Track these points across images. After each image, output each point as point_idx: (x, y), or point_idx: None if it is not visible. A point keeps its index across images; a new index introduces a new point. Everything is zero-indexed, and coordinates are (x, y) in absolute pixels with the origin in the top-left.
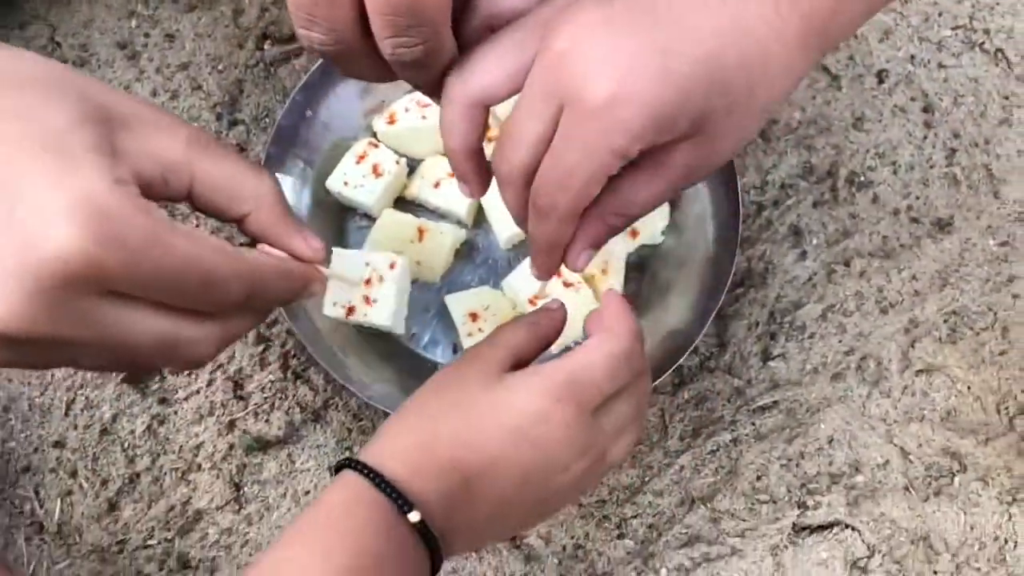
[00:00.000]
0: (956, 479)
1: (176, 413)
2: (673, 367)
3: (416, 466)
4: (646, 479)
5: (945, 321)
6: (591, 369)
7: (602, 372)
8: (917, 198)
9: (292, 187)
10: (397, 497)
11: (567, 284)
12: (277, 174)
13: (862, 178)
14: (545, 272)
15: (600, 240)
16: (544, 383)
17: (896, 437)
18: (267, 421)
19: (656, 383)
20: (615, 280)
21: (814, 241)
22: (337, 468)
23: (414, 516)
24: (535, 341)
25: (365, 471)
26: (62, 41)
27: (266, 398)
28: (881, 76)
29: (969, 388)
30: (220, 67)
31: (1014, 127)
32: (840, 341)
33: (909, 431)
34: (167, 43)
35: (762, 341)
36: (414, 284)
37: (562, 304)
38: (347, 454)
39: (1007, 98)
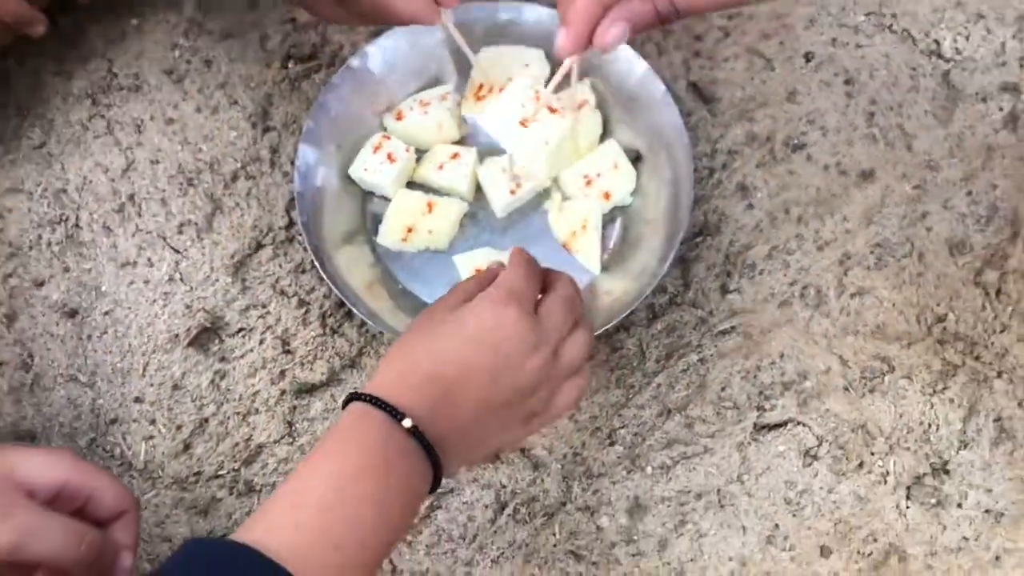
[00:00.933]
0: (886, 378)
1: (235, 368)
2: (643, 300)
3: (405, 385)
4: (629, 396)
5: (871, 252)
6: (520, 278)
7: (526, 279)
8: (844, 156)
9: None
10: (390, 410)
11: (552, 110)
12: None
13: (796, 141)
14: (572, 44)
15: (634, 17)
16: (489, 296)
17: (835, 348)
18: (311, 369)
19: (632, 317)
20: (594, 235)
21: (758, 195)
22: (345, 402)
23: (407, 422)
24: (485, 282)
25: (365, 397)
26: (118, 72)
27: (309, 351)
28: (808, 57)
29: (894, 305)
30: (252, 84)
31: (920, 92)
32: (785, 275)
33: (846, 343)
34: (206, 68)
35: (720, 279)
36: (427, 252)
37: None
38: None
39: (914, 69)
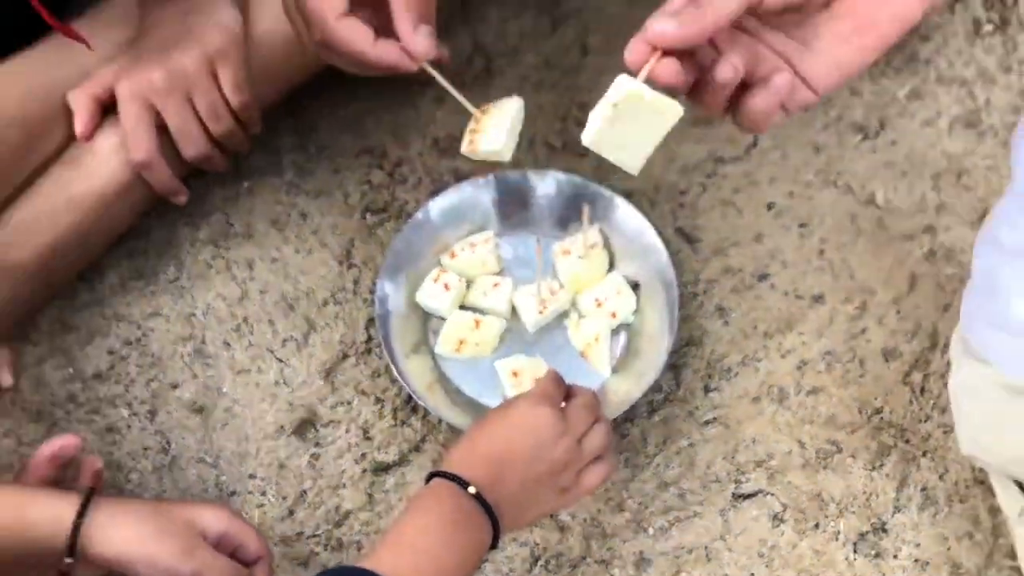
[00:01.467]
0: (835, 457)
1: (326, 452)
2: (643, 397)
3: (467, 464)
4: (635, 473)
5: (823, 359)
6: (550, 386)
7: (555, 387)
8: (800, 284)
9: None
10: (460, 480)
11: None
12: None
13: (762, 272)
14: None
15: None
16: (527, 397)
17: (796, 434)
18: (386, 452)
19: (635, 411)
20: (604, 346)
21: (733, 315)
22: (428, 478)
23: (472, 489)
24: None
25: (442, 474)
26: (234, 222)
27: (384, 437)
28: (770, 206)
29: (841, 400)
30: (338, 231)
31: (860, 233)
32: (755, 377)
33: (804, 430)
34: (302, 219)
35: (703, 380)
36: (475, 359)
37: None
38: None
39: (854, 215)
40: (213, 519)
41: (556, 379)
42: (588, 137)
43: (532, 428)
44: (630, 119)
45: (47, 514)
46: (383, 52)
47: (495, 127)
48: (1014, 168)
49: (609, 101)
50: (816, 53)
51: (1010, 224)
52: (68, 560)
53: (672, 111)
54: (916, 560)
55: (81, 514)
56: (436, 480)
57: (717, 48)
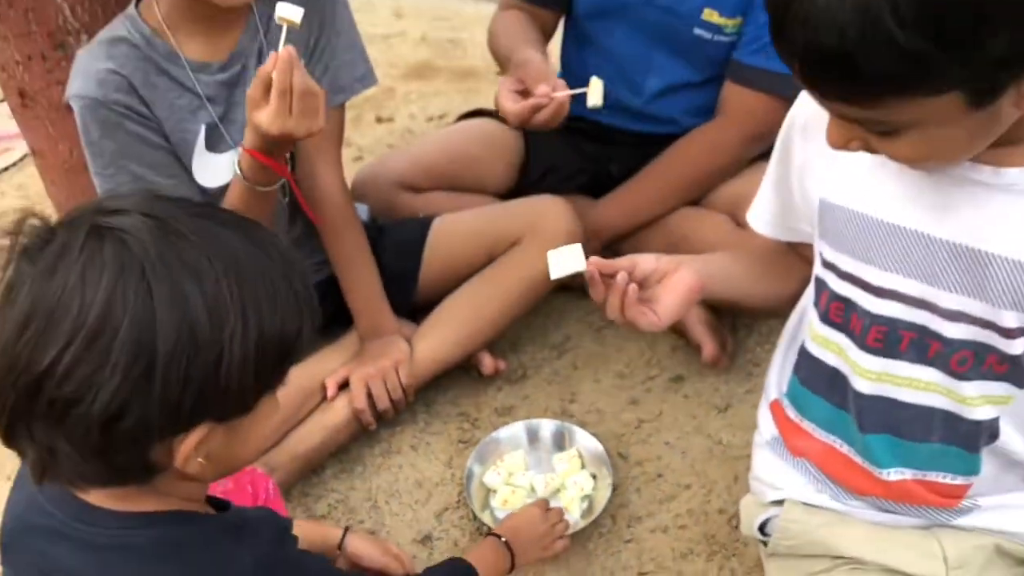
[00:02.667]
0: None
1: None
2: (591, 526)
3: (501, 530)
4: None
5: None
6: (544, 503)
7: (545, 505)
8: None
9: None
10: (498, 536)
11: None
12: None
13: (659, 473)
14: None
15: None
16: (527, 506)
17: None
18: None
19: (586, 533)
20: (575, 504)
21: (643, 491)
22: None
23: (503, 539)
24: None
25: (492, 533)
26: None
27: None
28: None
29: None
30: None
31: None
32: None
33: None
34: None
35: (626, 521)
36: (509, 509)
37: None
38: None
39: None
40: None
41: (546, 503)
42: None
43: (533, 516)
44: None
45: (330, 534)
46: None
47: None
48: None
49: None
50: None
51: None
52: (337, 552)
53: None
54: None
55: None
56: (489, 537)
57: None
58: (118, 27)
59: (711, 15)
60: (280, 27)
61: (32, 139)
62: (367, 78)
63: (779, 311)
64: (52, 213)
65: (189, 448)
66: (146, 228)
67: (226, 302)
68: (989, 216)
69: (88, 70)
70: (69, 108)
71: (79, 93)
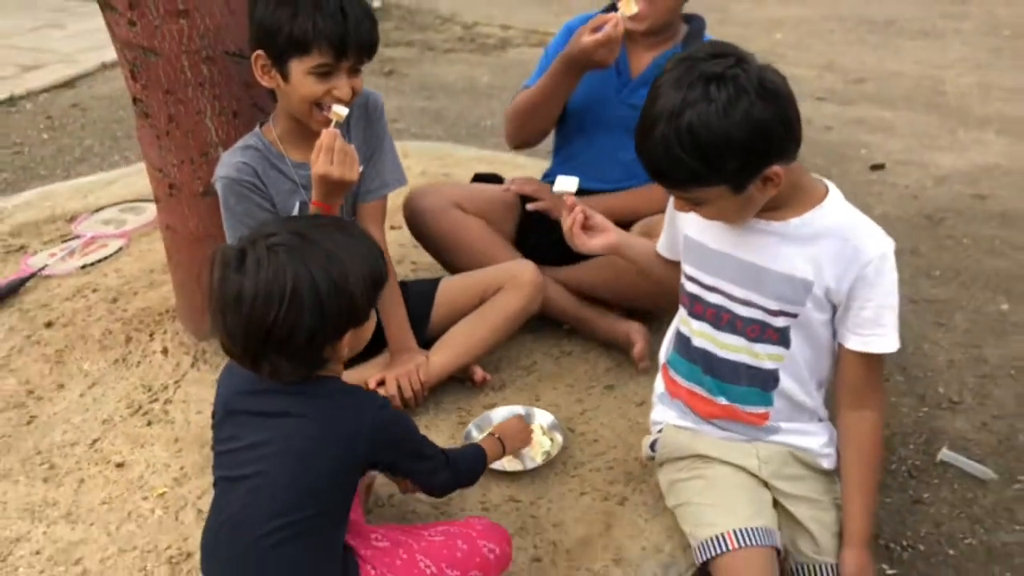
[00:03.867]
0: None
1: None
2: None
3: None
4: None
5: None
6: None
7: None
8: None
9: None
10: (492, 434)
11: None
12: None
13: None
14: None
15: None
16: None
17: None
18: None
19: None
20: (540, 453)
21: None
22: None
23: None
24: None
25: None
26: None
27: None
28: None
29: None
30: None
31: None
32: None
33: None
34: None
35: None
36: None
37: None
38: None
39: None
40: None
41: (521, 417)
42: None
43: (513, 422)
44: None
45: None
46: None
47: None
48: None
49: None
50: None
51: None
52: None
53: None
54: None
55: None
56: (487, 437)
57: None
58: (248, 139)
59: None
60: (331, 120)
61: (169, 218)
62: (401, 180)
63: (657, 294)
64: (168, 276)
65: (344, 345)
66: (294, 238)
67: (345, 267)
68: (763, 246)
69: (230, 162)
70: (203, 195)
71: (223, 175)
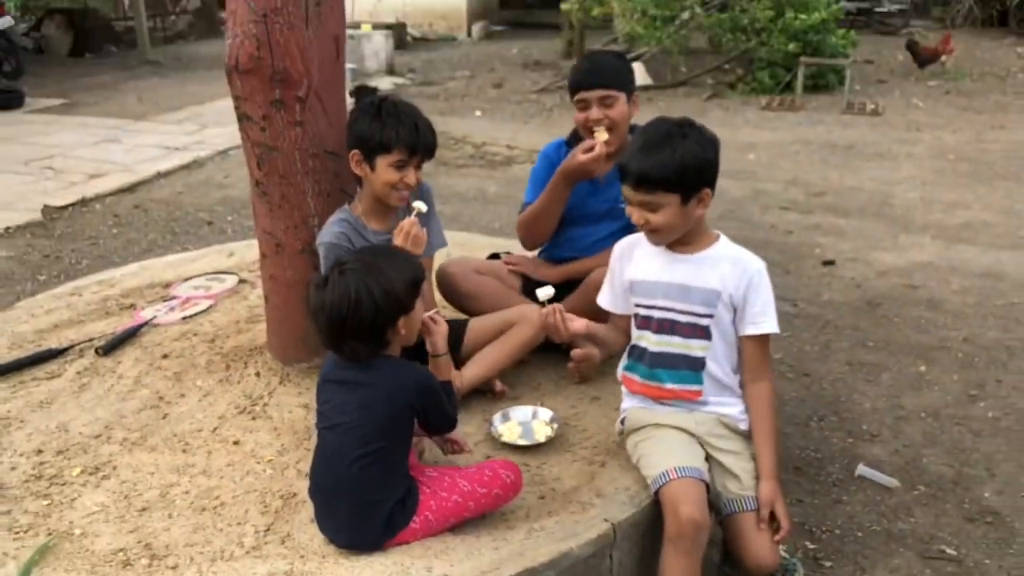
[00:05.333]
0: None
1: None
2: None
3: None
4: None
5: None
6: None
7: None
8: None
9: None
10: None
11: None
12: None
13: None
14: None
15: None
16: None
17: None
18: None
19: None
20: (541, 434)
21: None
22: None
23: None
24: None
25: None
26: None
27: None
28: None
29: None
30: None
31: None
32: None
33: None
34: None
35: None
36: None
37: None
38: None
39: None
40: None
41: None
42: None
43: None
44: None
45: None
46: None
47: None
48: None
49: None
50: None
51: None
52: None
53: None
54: None
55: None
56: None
57: None
58: (340, 213)
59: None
60: (412, 210)
61: (273, 270)
62: (444, 243)
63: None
64: (252, 325)
65: (400, 328)
66: (357, 263)
67: (391, 275)
68: (686, 271)
69: (329, 232)
70: (301, 252)
71: (326, 241)
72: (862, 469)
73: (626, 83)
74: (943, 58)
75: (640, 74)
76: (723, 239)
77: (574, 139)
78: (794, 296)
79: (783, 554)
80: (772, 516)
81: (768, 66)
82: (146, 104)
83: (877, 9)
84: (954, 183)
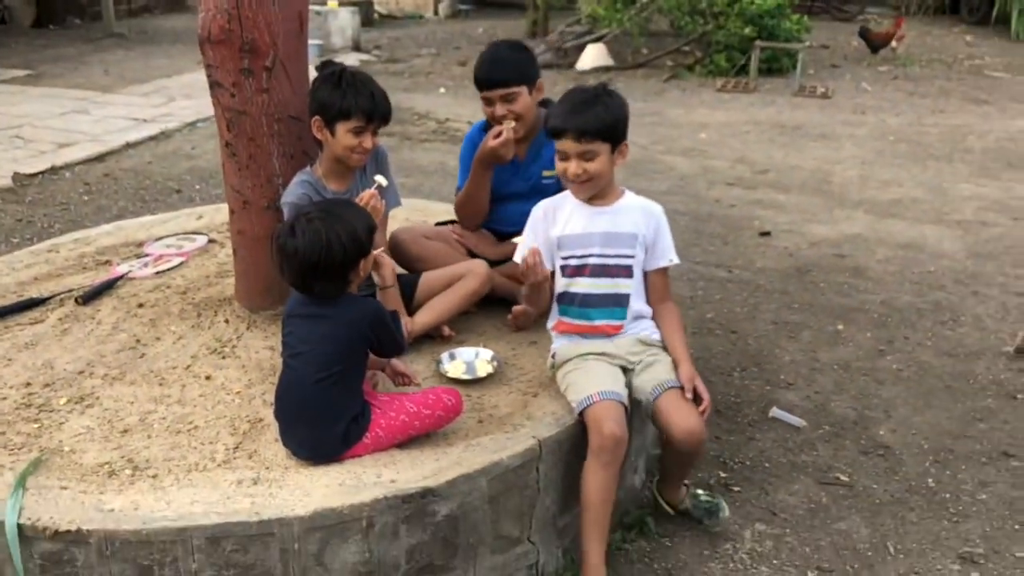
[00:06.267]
0: None
1: None
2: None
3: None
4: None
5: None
6: None
7: None
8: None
9: None
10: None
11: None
12: None
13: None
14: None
15: None
16: None
17: None
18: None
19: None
20: (483, 367)
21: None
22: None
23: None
24: None
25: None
26: None
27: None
28: None
29: None
30: None
31: None
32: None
33: None
34: None
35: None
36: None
37: None
38: None
39: None
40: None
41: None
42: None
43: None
44: None
45: None
46: None
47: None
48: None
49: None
50: None
51: None
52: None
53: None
54: None
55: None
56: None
57: None
58: (302, 175)
59: (548, 173)
60: (373, 182)
61: (240, 224)
62: (398, 202)
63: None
64: (221, 280)
65: (361, 269)
66: (321, 212)
67: (354, 224)
68: (607, 221)
69: (293, 192)
70: (266, 208)
71: (288, 201)
72: (775, 411)
73: (526, 75)
74: (894, 43)
75: (602, 55)
76: (628, 192)
77: (490, 125)
78: (730, 263)
79: (707, 496)
80: (695, 394)
81: (725, 49)
82: (112, 77)
83: None
84: (891, 163)
